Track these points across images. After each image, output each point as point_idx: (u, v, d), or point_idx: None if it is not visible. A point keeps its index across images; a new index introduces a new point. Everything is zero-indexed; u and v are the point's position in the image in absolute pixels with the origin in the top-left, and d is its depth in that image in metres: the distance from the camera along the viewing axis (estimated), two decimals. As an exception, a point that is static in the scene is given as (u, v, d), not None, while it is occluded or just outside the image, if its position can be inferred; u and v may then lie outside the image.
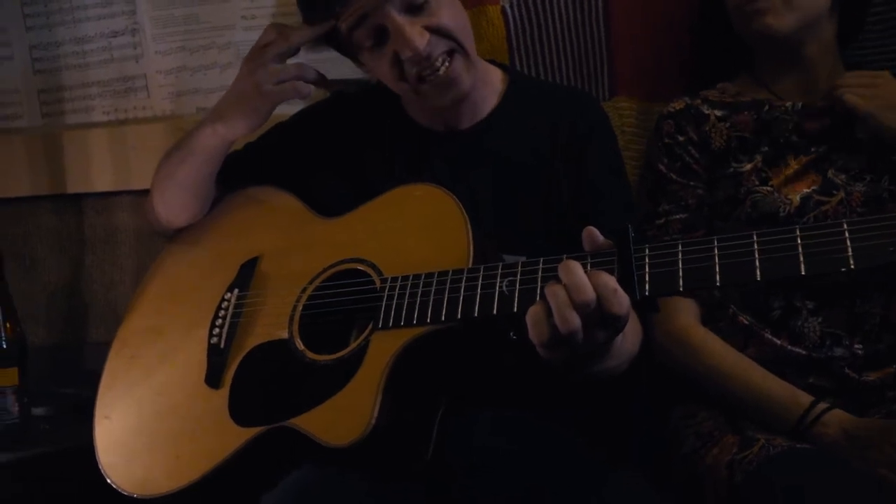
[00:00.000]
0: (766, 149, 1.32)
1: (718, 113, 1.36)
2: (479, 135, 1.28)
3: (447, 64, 1.16)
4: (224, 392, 1.17)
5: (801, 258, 0.87)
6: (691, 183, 1.35)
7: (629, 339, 1.07)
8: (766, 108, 1.35)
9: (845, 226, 0.87)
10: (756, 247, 0.89)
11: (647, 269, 0.93)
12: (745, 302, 1.30)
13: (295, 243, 1.26)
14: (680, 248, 0.93)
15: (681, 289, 0.91)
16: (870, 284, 1.26)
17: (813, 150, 1.31)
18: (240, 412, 1.14)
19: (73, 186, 1.84)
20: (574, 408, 1.17)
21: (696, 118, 1.36)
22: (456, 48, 1.17)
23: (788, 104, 1.34)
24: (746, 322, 1.29)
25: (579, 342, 0.90)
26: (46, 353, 1.82)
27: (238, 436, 1.11)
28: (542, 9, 1.59)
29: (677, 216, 1.34)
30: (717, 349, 1.28)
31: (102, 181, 1.82)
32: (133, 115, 1.82)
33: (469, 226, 1.08)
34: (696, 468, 1.23)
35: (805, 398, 1.20)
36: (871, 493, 1.04)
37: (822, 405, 1.19)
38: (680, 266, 0.92)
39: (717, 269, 0.90)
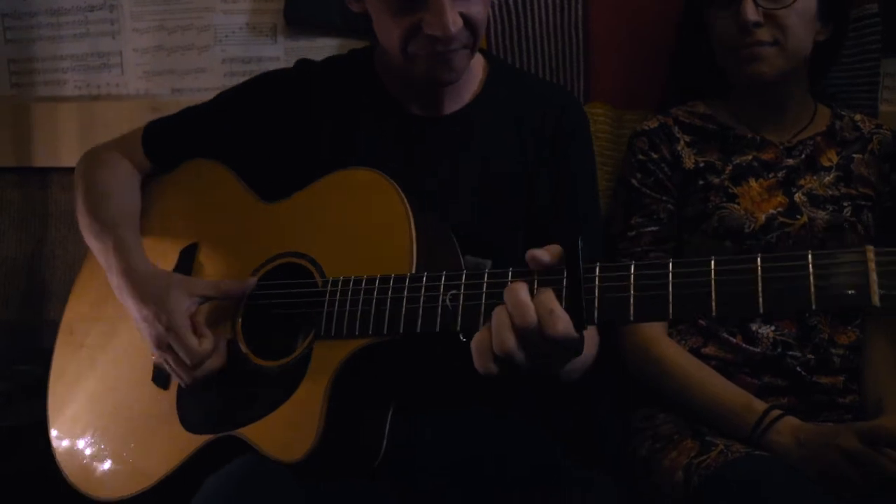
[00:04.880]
0: (731, 170, 1.36)
1: (688, 138, 1.40)
2: (459, 122, 1.23)
3: (458, 54, 1.12)
4: (172, 393, 1.15)
5: (761, 298, 0.80)
6: (663, 198, 1.38)
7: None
8: (731, 138, 1.39)
9: (810, 258, 0.79)
10: (713, 276, 0.82)
11: (596, 294, 0.86)
12: None
13: (234, 230, 1.20)
14: (632, 270, 0.85)
15: (631, 319, 0.84)
16: None
17: (771, 175, 1.35)
18: (188, 417, 1.12)
19: (40, 160, 1.81)
20: (525, 409, 1.16)
21: (669, 138, 1.40)
22: (471, 45, 1.14)
23: (749, 135, 1.38)
24: (704, 323, 1.33)
25: (521, 362, 0.86)
26: (3, 330, 1.79)
27: (189, 442, 1.10)
28: (522, 11, 1.59)
29: (649, 228, 1.37)
30: (677, 359, 1.30)
31: (70, 156, 1.77)
32: (106, 92, 1.80)
33: (412, 224, 1.02)
34: (653, 470, 1.24)
35: (760, 405, 1.21)
36: (825, 498, 1.05)
37: (776, 412, 1.20)
38: (632, 293, 0.85)
39: (671, 300, 0.83)
